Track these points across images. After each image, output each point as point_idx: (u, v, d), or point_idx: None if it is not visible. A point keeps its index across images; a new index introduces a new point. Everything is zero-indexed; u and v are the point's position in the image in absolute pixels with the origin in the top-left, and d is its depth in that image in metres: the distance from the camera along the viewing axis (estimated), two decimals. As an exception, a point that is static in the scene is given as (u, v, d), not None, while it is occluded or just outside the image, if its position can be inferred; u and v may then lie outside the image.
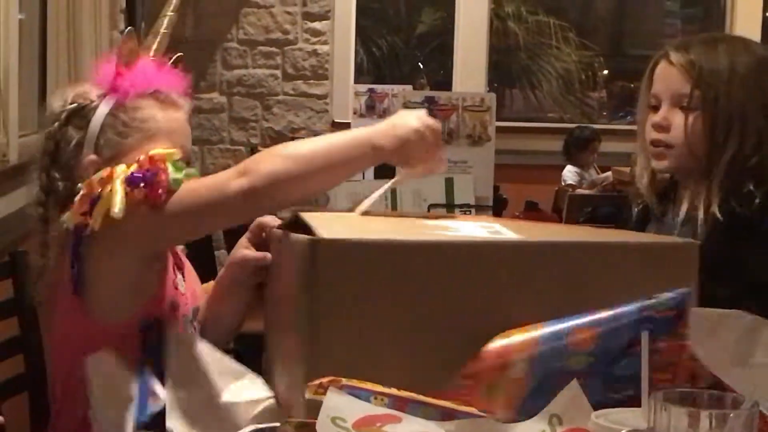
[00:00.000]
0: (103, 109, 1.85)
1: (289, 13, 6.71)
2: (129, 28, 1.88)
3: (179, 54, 1.97)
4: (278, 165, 1.66)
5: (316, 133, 6.76)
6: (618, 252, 1.45)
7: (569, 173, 6.56)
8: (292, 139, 6.51)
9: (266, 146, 6.70)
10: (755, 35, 6.99)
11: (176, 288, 1.85)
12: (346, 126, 5.58)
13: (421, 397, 1.27)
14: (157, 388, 1.52)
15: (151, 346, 1.66)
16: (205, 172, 5.30)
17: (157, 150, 1.76)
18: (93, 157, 1.82)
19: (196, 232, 1.85)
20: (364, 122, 5.51)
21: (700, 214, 1.99)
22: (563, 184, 6.43)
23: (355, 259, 1.36)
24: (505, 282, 1.39)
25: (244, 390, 1.52)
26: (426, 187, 3.18)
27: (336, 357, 1.34)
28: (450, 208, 3.10)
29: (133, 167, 1.74)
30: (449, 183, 3.16)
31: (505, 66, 8.79)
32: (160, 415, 1.48)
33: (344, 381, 1.26)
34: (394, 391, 1.27)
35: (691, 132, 2.04)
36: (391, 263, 1.36)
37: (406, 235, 1.46)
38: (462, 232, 1.47)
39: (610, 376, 1.32)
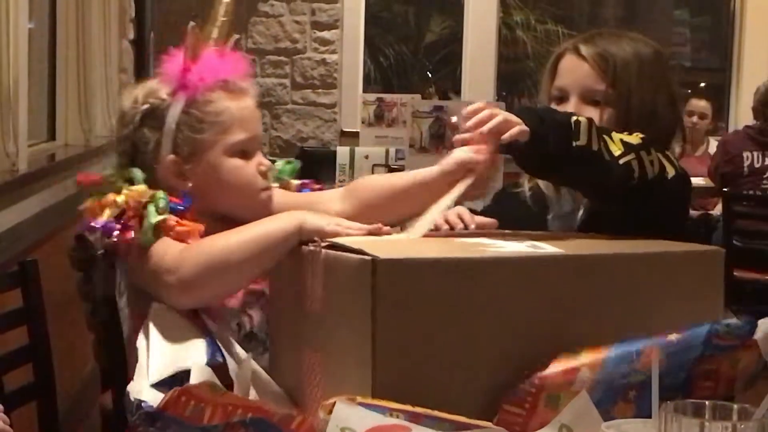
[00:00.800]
0: (176, 108, 1.85)
1: (297, 22, 6.72)
2: (192, 23, 1.90)
3: (237, 36, 1.97)
4: (183, 270, 1.65)
5: (324, 143, 6.77)
6: (655, 261, 1.51)
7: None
8: (302, 149, 6.53)
9: (275, 155, 6.72)
10: (765, 44, 6.98)
11: None
12: (354, 135, 5.58)
13: (437, 413, 1.27)
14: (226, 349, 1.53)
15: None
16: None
17: (142, 192, 1.76)
18: (172, 157, 1.84)
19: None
20: (373, 131, 5.51)
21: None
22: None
23: (413, 278, 1.36)
24: (550, 295, 1.42)
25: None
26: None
27: (397, 379, 1.34)
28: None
29: (113, 211, 1.76)
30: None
31: (513, 74, 8.79)
32: (223, 368, 1.47)
33: (360, 399, 1.26)
34: (408, 407, 1.27)
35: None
36: (448, 281, 1.37)
37: (458, 253, 1.45)
38: (506, 248, 1.47)
39: (664, 388, 1.32)
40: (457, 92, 7.19)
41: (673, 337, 1.33)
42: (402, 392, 1.31)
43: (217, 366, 1.49)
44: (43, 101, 4.52)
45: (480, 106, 1.72)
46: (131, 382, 1.50)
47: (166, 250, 1.71)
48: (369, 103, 5.60)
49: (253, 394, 1.49)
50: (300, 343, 1.55)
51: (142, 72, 5.85)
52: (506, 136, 1.67)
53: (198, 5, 6.74)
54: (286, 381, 1.59)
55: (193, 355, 1.51)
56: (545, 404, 1.32)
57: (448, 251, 1.47)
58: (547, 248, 1.46)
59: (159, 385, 1.45)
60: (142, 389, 1.45)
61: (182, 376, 1.47)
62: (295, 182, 2.05)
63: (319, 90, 6.76)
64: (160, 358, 1.51)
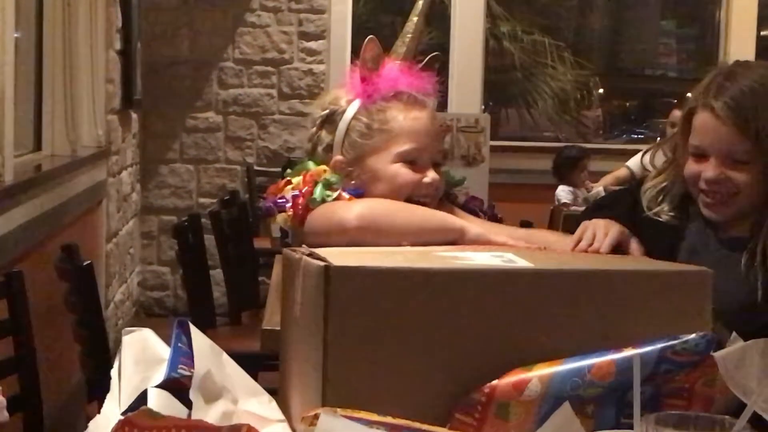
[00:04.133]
0: (349, 113, 2.01)
1: (284, 32, 6.72)
2: (370, 36, 2.07)
3: (436, 54, 2.12)
4: (367, 217, 1.83)
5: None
6: (632, 279, 1.46)
7: (563, 192, 6.56)
8: (289, 159, 6.54)
9: (262, 165, 6.72)
10: (749, 54, 7.01)
11: None
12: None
13: (417, 425, 1.27)
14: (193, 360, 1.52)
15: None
16: (200, 192, 5.32)
17: (316, 172, 1.95)
18: (339, 157, 2.00)
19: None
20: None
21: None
22: (557, 203, 6.44)
23: (366, 286, 1.35)
24: (518, 310, 1.39)
25: (258, 406, 1.53)
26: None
27: (347, 385, 1.34)
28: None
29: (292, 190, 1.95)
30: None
31: (500, 85, 8.80)
32: (185, 381, 1.47)
33: (339, 411, 1.26)
34: (389, 419, 1.27)
35: (754, 183, 1.97)
36: (402, 290, 1.36)
37: (418, 263, 1.45)
38: (476, 260, 1.47)
39: (622, 403, 1.32)
40: (445, 102, 7.20)
41: (628, 351, 1.32)
42: (353, 398, 1.30)
43: (180, 380, 1.48)
44: (29, 111, 4.51)
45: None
46: (96, 416, 1.50)
47: (335, 205, 1.90)
48: (356, 113, 5.61)
49: (228, 407, 1.49)
50: (288, 349, 1.58)
51: (128, 83, 5.84)
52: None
53: (185, 16, 6.75)
54: (283, 388, 1.61)
55: (158, 376, 1.51)
56: (495, 414, 1.32)
57: (410, 261, 1.47)
58: (519, 262, 1.46)
59: (128, 412, 1.44)
60: (109, 422, 1.45)
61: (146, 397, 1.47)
62: (461, 194, 2.17)
63: (306, 100, 6.76)
64: (131, 383, 1.51)
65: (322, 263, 1.37)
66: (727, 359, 1.27)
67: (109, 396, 1.54)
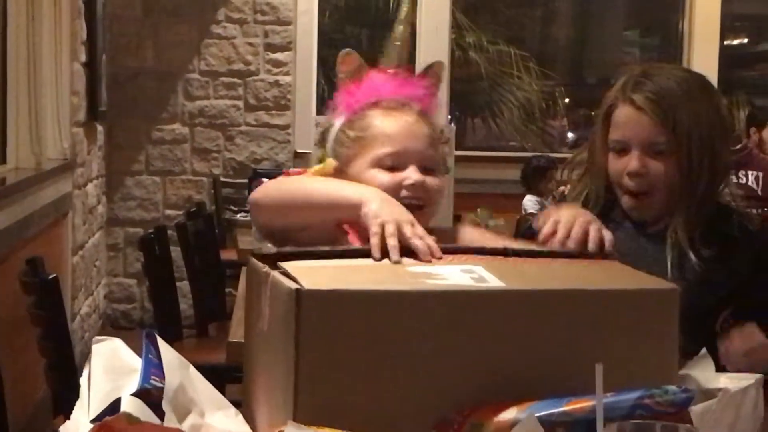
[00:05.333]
0: (335, 127, 2.04)
1: (251, 44, 6.73)
2: (348, 50, 2.08)
3: (436, 62, 2.18)
4: (262, 193, 1.91)
5: (278, 165, 6.78)
6: (602, 298, 1.46)
7: (530, 202, 6.60)
8: (255, 170, 6.53)
9: (228, 177, 6.72)
10: (713, 64, 7.08)
11: None
12: (308, 156, 5.59)
13: None
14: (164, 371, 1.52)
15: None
16: (166, 203, 5.30)
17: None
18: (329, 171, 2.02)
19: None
20: (326, 152, 5.52)
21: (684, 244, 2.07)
22: (524, 213, 6.47)
23: (337, 309, 1.35)
24: (490, 331, 1.39)
25: (225, 419, 1.52)
26: (387, 218, 3.17)
27: (317, 405, 1.34)
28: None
29: None
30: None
31: (467, 95, 8.84)
32: (157, 393, 1.47)
33: (305, 428, 1.26)
34: None
35: (670, 177, 2.07)
36: (373, 312, 1.36)
37: (390, 284, 1.45)
38: (447, 280, 1.46)
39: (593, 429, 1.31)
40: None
41: (607, 395, 1.31)
42: (324, 418, 1.30)
43: (153, 390, 1.48)
44: (-7, 124, 4.49)
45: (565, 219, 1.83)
46: (67, 421, 1.50)
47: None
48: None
49: (196, 420, 1.49)
50: (254, 361, 1.57)
51: (94, 95, 5.83)
52: (592, 245, 1.76)
53: (150, 28, 6.74)
54: (247, 399, 1.61)
55: (129, 385, 1.50)
56: (469, 431, 1.32)
57: (382, 282, 1.46)
58: (491, 281, 1.45)
59: (98, 420, 1.44)
60: (78, 427, 1.44)
61: (119, 406, 1.47)
62: None
63: (273, 111, 6.76)
64: (101, 391, 1.50)
65: (293, 285, 1.37)
66: (705, 416, 1.27)
67: (78, 403, 1.54)
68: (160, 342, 1.55)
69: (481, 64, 8.77)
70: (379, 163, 1.93)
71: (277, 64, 6.76)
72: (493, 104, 8.96)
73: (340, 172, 1.97)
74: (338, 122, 2.02)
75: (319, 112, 7.05)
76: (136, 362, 1.53)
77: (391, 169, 1.92)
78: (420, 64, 7.09)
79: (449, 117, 7.31)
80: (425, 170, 1.94)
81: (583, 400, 1.29)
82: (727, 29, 7.82)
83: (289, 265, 1.46)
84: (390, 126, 1.96)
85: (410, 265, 1.57)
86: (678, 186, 2.08)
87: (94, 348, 1.58)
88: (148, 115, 6.68)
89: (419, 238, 1.60)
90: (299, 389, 1.34)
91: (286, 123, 6.81)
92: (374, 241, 1.60)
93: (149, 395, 1.43)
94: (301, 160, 6.51)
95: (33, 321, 2.63)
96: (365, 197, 1.75)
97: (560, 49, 9.36)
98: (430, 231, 1.75)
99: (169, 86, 6.68)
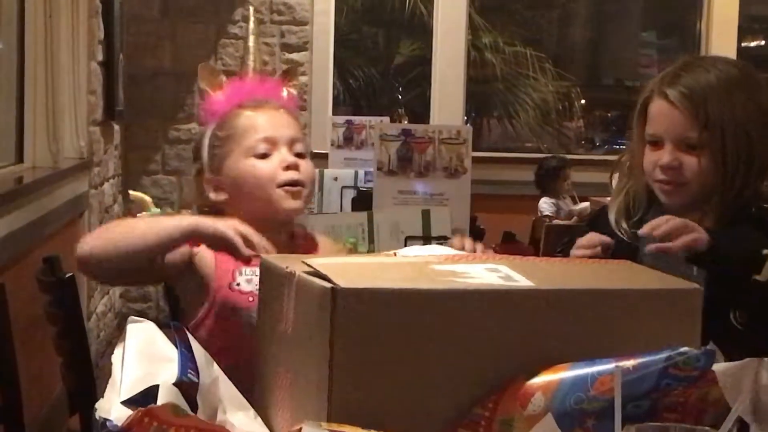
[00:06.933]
0: (207, 136, 2.14)
1: (267, 44, 6.73)
2: (201, 63, 2.31)
3: (290, 67, 2.37)
4: (89, 245, 1.93)
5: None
6: (628, 298, 1.47)
7: (545, 204, 6.59)
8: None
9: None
10: (730, 66, 7.05)
11: (232, 289, 1.98)
12: (324, 156, 5.59)
13: None
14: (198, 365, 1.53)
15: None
16: (182, 203, 5.32)
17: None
18: (208, 176, 2.12)
19: None
20: (342, 153, 5.52)
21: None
22: (540, 215, 6.45)
23: (372, 308, 1.35)
24: (519, 328, 1.40)
25: (245, 420, 1.52)
26: (403, 220, 3.18)
27: (352, 405, 1.33)
28: (427, 240, 3.11)
29: None
30: (426, 215, 3.16)
31: (482, 96, 8.83)
32: (192, 386, 1.48)
33: (324, 425, 1.26)
34: None
35: (704, 170, 2.06)
36: (406, 311, 1.36)
37: (424, 283, 1.45)
38: (477, 278, 1.46)
39: (621, 416, 1.31)
40: (427, 113, 7.22)
41: (629, 364, 1.32)
42: (358, 418, 1.31)
43: (189, 384, 1.49)
44: (11, 123, 4.50)
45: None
46: (101, 399, 1.50)
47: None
48: (338, 125, 5.62)
49: (221, 417, 1.49)
50: (274, 363, 1.56)
51: (111, 94, 5.84)
52: (679, 242, 1.84)
53: (167, 28, 6.74)
54: (264, 401, 1.60)
55: (164, 373, 1.50)
56: (499, 429, 1.32)
57: (414, 281, 1.47)
58: (519, 280, 1.45)
59: (130, 403, 1.44)
60: (111, 407, 1.44)
61: (155, 393, 1.47)
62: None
63: (289, 111, 6.76)
64: (133, 374, 1.50)
65: (327, 284, 1.37)
66: (727, 373, 1.27)
67: (110, 380, 1.54)
68: (189, 336, 1.56)
69: (497, 65, 8.77)
70: (252, 152, 2.07)
71: (294, 64, 6.76)
72: (509, 105, 8.96)
73: (217, 174, 2.09)
74: (209, 131, 2.14)
75: (335, 112, 7.06)
76: (169, 351, 1.53)
77: (264, 156, 2.07)
78: (436, 66, 7.09)
79: (465, 118, 7.30)
80: (297, 155, 2.09)
81: (607, 376, 1.29)
82: (744, 31, 7.80)
83: (315, 263, 1.46)
84: (256, 117, 2.11)
85: (434, 263, 1.58)
86: (712, 179, 2.07)
87: (129, 328, 1.58)
88: (164, 115, 6.69)
89: (259, 237, 1.85)
90: (333, 389, 1.34)
91: (302, 123, 6.80)
92: (238, 240, 1.82)
93: (187, 387, 1.44)
94: (316, 160, 6.51)
95: (49, 319, 2.64)
96: (193, 220, 1.91)
97: (577, 50, 9.34)
98: (296, 234, 2.11)
99: (186, 86, 6.69)
